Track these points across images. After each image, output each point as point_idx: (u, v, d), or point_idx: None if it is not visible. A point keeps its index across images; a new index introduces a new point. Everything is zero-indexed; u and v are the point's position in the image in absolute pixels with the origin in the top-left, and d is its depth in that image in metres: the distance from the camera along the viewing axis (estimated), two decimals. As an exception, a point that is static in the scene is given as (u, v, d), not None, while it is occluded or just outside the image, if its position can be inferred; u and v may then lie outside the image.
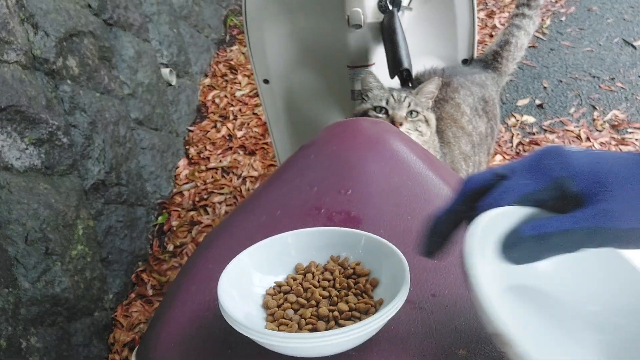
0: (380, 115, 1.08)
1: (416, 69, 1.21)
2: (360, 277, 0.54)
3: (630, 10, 2.84)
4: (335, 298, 0.51)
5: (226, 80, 2.68)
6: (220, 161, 2.22)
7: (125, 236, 1.81)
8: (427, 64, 1.27)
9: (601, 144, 2.10)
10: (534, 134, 2.19)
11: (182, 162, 2.23)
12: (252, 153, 2.25)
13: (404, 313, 0.51)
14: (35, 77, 1.63)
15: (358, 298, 0.51)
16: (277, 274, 0.56)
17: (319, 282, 0.53)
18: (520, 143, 2.16)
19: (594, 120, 2.21)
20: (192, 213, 2.01)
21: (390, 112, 1.07)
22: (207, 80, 2.66)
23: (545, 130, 2.20)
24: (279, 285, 0.54)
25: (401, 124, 1.05)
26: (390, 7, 1.07)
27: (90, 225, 1.66)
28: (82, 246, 1.59)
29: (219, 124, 2.42)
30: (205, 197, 2.08)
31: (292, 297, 0.52)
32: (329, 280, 0.53)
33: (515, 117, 2.29)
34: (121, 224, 1.81)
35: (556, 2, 3.03)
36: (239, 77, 2.69)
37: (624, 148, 2.06)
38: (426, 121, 1.10)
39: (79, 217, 1.60)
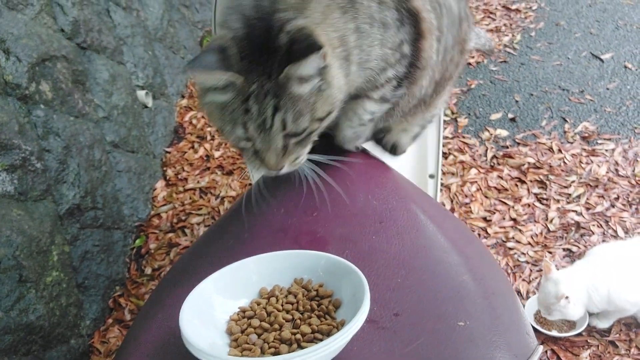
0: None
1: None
2: (324, 298, 0.55)
3: (597, 24, 2.93)
4: (299, 321, 0.52)
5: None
6: (198, 182, 2.21)
7: (102, 260, 1.79)
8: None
9: (572, 155, 2.14)
10: (507, 147, 2.23)
11: (160, 184, 2.22)
12: (229, 173, 2.25)
13: (367, 333, 0.52)
14: (7, 102, 1.61)
15: (321, 320, 0.52)
16: (241, 299, 0.56)
17: (282, 305, 0.54)
18: (494, 157, 2.19)
19: (565, 132, 2.26)
20: (170, 235, 2.00)
21: (255, 162, 0.73)
22: (184, 102, 2.66)
23: (519, 144, 2.24)
24: (243, 310, 0.55)
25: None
26: None
27: (66, 251, 1.64)
28: (57, 272, 1.57)
29: (196, 145, 2.42)
30: (183, 218, 2.07)
31: (255, 322, 0.52)
32: (292, 304, 0.54)
33: (489, 131, 2.33)
34: (97, 249, 1.79)
35: (526, 18, 3.11)
36: (216, 97, 2.70)
37: (595, 159, 2.11)
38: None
39: (54, 243, 1.58)
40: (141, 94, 2.37)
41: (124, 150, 2.13)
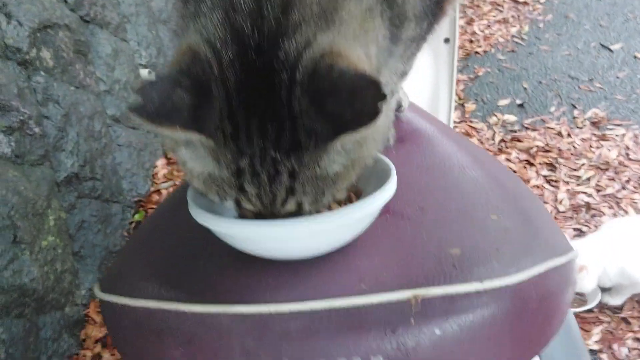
0: None
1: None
2: (343, 189, 0.50)
3: (606, 17, 2.90)
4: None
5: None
6: (200, 160, 2.17)
7: (99, 231, 1.74)
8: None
9: (582, 139, 2.10)
10: (515, 132, 2.19)
11: (161, 162, 2.17)
12: (232, 152, 2.21)
13: (391, 223, 0.48)
14: (7, 66, 1.57)
15: (341, 206, 0.47)
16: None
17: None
18: (502, 140, 2.15)
19: (574, 118, 2.22)
20: (170, 211, 1.95)
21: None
22: (187, 83, 2.62)
23: (527, 128, 2.20)
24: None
25: None
26: None
27: (62, 217, 1.59)
28: (53, 237, 1.52)
29: (198, 125, 2.37)
30: (183, 195, 2.02)
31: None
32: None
33: (496, 115, 2.29)
34: (95, 219, 1.74)
35: (534, 10, 3.08)
36: (220, 80, 2.66)
37: (606, 144, 2.06)
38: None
39: (50, 207, 1.54)
40: (144, 72, 2.33)
41: (124, 126, 2.08)
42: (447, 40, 1.31)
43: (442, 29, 1.31)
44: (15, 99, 1.53)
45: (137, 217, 1.93)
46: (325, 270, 0.44)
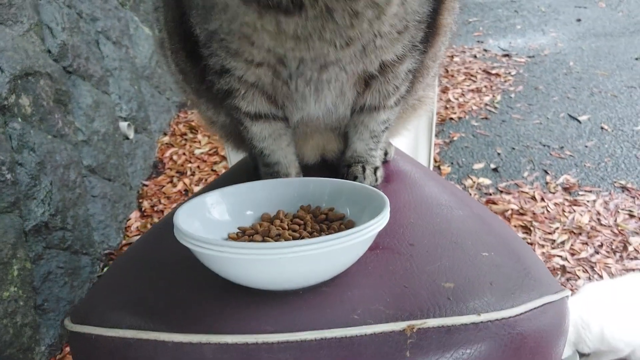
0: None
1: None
2: (334, 221, 0.49)
3: (573, 90, 3.04)
4: (307, 238, 0.46)
5: (185, 139, 2.65)
6: (175, 214, 2.13)
7: (65, 284, 1.67)
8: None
9: (555, 204, 2.14)
10: (490, 195, 2.23)
11: (134, 215, 2.13)
12: (208, 207, 2.18)
13: (382, 256, 0.46)
14: (-16, 110, 1.56)
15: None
16: (240, 223, 0.50)
17: (288, 226, 0.48)
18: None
19: (547, 183, 2.27)
20: (141, 265, 1.89)
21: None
22: (166, 139, 2.62)
23: (501, 192, 2.24)
24: (242, 229, 0.48)
25: None
26: None
27: (27, 268, 1.52)
28: (16, 288, 1.44)
29: (175, 179, 2.35)
30: (156, 249, 1.97)
31: (258, 238, 0.46)
32: (299, 225, 0.48)
33: (471, 179, 2.33)
34: (62, 271, 1.67)
35: (505, 81, 3.22)
36: (199, 136, 2.67)
37: (578, 209, 2.11)
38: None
39: (16, 257, 1.47)
40: (123, 125, 2.33)
41: (100, 177, 2.05)
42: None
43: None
44: (-11, 144, 1.50)
45: (106, 270, 1.86)
46: (316, 301, 0.42)
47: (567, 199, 2.17)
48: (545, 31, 4.00)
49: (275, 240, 0.45)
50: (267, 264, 0.39)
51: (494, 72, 3.34)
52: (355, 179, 0.69)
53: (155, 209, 2.18)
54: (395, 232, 0.51)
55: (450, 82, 3.27)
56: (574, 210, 2.09)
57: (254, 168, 0.73)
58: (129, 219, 2.10)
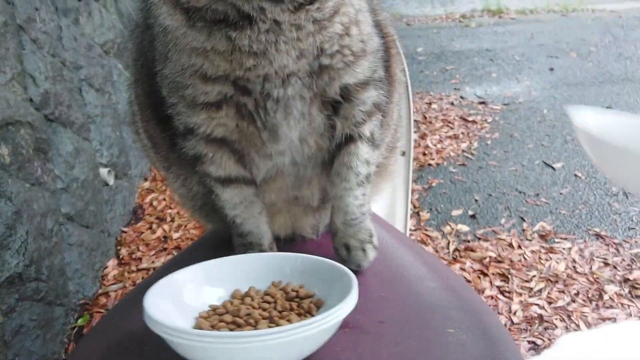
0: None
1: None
2: (304, 299, 0.50)
3: (547, 138, 3.13)
4: (277, 318, 0.47)
5: (166, 185, 2.65)
6: (153, 262, 2.11)
7: (38, 337, 1.63)
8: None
9: (532, 251, 2.17)
10: (468, 241, 2.25)
11: (112, 262, 2.10)
12: (187, 255, 2.17)
13: (351, 337, 0.47)
14: (-39, 160, 1.55)
15: (301, 318, 0.47)
16: (211, 300, 0.51)
17: (258, 304, 0.48)
18: (456, 249, 2.20)
19: (523, 230, 2.31)
20: (117, 315, 1.86)
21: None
22: (147, 184, 2.62)
23: (479, 239, 2.27)
24: (213, 308, 0.49)
25: None
26: None
27: (-1, 321, 1.49)
28: (-14, 343, 1.41)
29: (154, 226, 2.34)
30: (133, 298, 1.94)
31: (227, 317, 0.47)
32: (269, 303, 0.49)
33: (450, 225, 2.36)
34: (34, 323, 1.63)
35: (482, 128, 3.30)
36: (180, 182, 2.67)
37: (554, 256, 2.14)
38: None
39: (-13, 310, 1.44)
40: (103, 171, 2.32)
41: (78, 224, 2.03)
42: (403, 153, 1.39)
43: (399, 142, 1.39)
44: (-36, 193, 1.49)
45: (80, 321, 1.83)
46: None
47: (543, 247, 2.20)
48: (520, 79, 4.14)
49: (245, 321, 0.46)
50: (234, 352, 0.39)
51: (470, 119, 3.42)
52: (359, 266, 0.68)
53: (133, 256, 2.16)
54: (365, 309, 0.52)
55: (428, 128, 3.34)
56: (551, 258, 2.13)
57: (229, 237, 0.73)
58: (106, 267, 2.08)
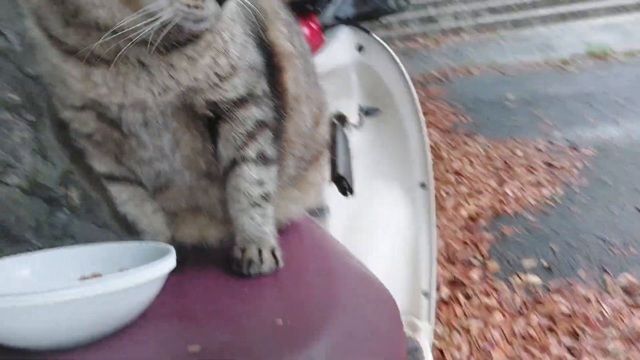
0: None
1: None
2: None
3: (643, 182, 2.82)
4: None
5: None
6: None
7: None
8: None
9: (612, 308, 1.92)
10: (539, 294, 2.05)
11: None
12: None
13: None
14: (33, 201, 1.72)
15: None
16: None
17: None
18: (523, 302, 2.01)
19: (604, 283, 2.06)
20: None
21: None
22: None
23: (551, 291, 2.06)
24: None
25: None
26: (334, 121, 1.13)
27: None
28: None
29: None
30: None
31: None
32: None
33: (519, 276, 2.17)
34: None
35: (569, 174, 3.06)
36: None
37: (638, 313, 1.88)
38: None
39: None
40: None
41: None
42: (423, 186, 1.32)
43: (416, 173, 1.32)
44: (29, 231, 1.65)
45: None
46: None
47: (626, 302, 1.94)
48: (620, 123, 3.80)
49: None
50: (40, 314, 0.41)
51: (557, 164, 3.18)
52: (250, 263, 0.68)
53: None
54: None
55: (509, 174, 3.16)
56: (634, 314, 1.87)
57: None
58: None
